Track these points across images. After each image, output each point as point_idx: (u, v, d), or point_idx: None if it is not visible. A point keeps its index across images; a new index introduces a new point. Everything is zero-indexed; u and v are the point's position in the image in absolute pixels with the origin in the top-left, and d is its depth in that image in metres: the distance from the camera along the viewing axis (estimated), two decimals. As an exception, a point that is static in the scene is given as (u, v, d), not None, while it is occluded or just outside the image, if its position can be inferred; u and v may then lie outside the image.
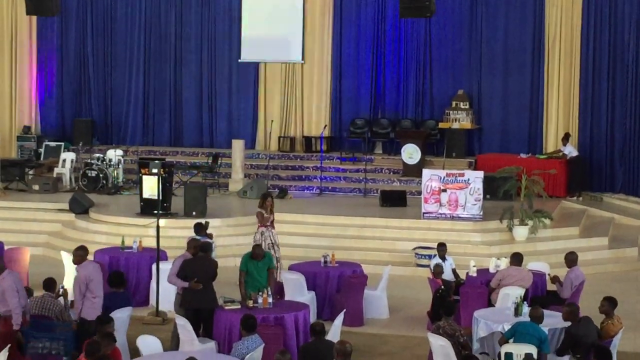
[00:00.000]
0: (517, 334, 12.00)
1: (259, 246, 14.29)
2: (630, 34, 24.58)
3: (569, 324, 12.56)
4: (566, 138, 24.52)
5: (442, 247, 16.11)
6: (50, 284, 13.25)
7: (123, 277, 13.90)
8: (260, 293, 13.42)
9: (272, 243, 16.92)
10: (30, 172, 25.11)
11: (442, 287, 14.53)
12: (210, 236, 16.64)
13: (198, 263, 13.55)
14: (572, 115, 25.29)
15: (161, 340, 12.17)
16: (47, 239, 20.77)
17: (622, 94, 24.82)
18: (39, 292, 13.45)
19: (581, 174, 24.47)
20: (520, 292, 14.15)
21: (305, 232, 20.38)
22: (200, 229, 16.35)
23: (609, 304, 12.70)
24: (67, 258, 16.69)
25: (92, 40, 28.57)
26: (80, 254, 12.98)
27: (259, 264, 14.08)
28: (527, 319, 12.54)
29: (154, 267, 15.86)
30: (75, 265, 13.04)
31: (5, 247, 17.36)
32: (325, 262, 16.12)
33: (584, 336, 12.03)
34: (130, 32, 28.34)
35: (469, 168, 24.03)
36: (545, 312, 13.35)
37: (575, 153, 24.45)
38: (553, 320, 12.79)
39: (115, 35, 28.50)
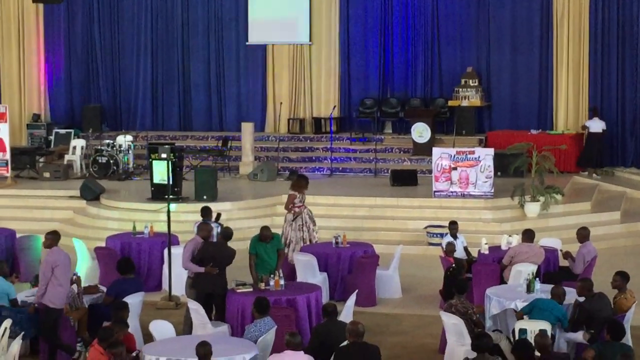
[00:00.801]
0: (535, 309, 12.00)
1: (266, 228, 14.25)
2: (638, 7, 24.43)
3: (581, 299, 12.56)
4: (592, 111, 24.21)
5: (453, 225, 16.08)
6: (62, 271, 13.25)
7: (131, 263, 13.87)
8: (272, 275, 13.43)
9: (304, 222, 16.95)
10: (41, 159, 25.16)
11: (454, 265, 14.51)
12: (217, 217, 16.51)
13: (217, 248, 13.55)
14: (582, 90, 25.17)
15: (174, 325, 12.20)
16: (58, 226, 20.64)
17: (631, 68, 24.72)
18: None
19: (597, 150, 24.09)
20: (533, 268, 14.12)
21: (316, 214, 20.11)
22: (207, 212, 16.24)
23: (621, 279, 12.68)
24: (79, 245, 16.74)
25: (99, 27, 28.54)
26: (50, 238, 12.76)
27: (267, 246, 14.07)
28: (541, 295, 12.53)
29: (165, 251, 15.88)
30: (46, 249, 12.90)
31: (17, 235, 17.44)
32: (337, 242, 16.11)
33: (598, 311, 12.01)
34: (137, 17, 28.30)
35: (479, 145, 23.96)
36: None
37: (598, 129, 23.89)
38: (566, 296, 12.75)
39: (122, 21, 28.46)
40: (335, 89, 27.20)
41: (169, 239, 15.71)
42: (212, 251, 13.46)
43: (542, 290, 12.79)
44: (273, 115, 27.42)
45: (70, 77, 28.84)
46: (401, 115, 26.43)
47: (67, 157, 25.08)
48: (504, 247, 15.61)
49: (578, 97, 25.22)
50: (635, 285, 13.49)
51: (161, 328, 11.89)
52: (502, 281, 14.51)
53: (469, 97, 25.65)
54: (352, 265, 15.58)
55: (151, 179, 20.74)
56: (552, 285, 12.66)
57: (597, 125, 23.96)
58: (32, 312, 12.52)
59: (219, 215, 16.84)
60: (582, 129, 24.14)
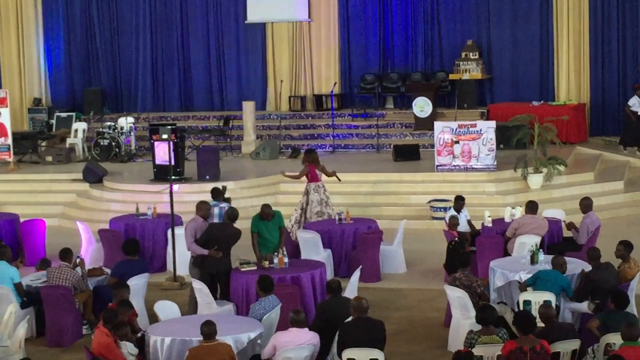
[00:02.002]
0: (538, 280, 12.02)
1: (267, 206, 14.25)
2: (638, -25, 24.35)
3: (586, 269, 12.57)
4: (635, 89, 23.42)
5: (459, 201, 16.04)
6: (66, 254, 13.34)
7: (137, 244, 13.90)
8: (275, 253, 13.43)
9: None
10: (43, 143, 25.14)
11: (456, 238, 14.51)
12: (228, 201, 16.57)
13: (222, 229, 13.54)
14: (583, 61, 25.09)
15: (179, 305, 12.22)
16: (62, 210, 20.84)
17: (632, 37, 24.63)
18: (56, 262, 13.53)
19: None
20: (536, 240, 14.14)
21: (320, 191, 20.35)
22: (217, 194, 16.27)
23: (625, 248, 12.69)
24: (82, 228, 16.76)
25: (98, 8, 28.45)
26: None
27: (269, 224, 14.06)
28: (545, 266, 12.54)
29: (169, 232, 15.90)
30: None
31: (21, 220, 17.46)
32: (340, 219, 16.12)
33: (604, 282, 12.02)
34: (135, -2, 28.23)
35: (481, 118, 23.92)
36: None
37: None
38: (570, 266, 12.75)
39: (120, 2, 28.34)
40: (335, 65, 27.13)
41: (172, 220, 15.73)
42: (216, 232, 13.45)
43: (546, 262, 12.79)
44: (274, 94, 27.38)
45: (70, 60, 28.78)
46: (402, 90, 26.38)
47: (69, 141, 25.07)
48: (507, 220, 15.62)
49: (579, 67, 25.14)
50: (639, 254, 13.49)
51: (166, 308, 11.91)
52: (506, 253, 14.52)
53: (470, 70, 25.58)
54: (356, 241, 15.59)
55: (153, 160, 20.74)
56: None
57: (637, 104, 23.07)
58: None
59: (224, 187, 16.86)
60: (626, 108, 23.20)
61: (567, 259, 12.80)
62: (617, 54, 24.81)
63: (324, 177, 17.59)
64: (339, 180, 17.83)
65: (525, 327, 9.88)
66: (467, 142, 20.56)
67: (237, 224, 13.86)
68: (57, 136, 25.93)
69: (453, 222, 15.23)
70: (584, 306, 12.05)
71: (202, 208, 13.90)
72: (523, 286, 12.20)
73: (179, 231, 15.41)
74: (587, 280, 12.25)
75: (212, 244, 13.27)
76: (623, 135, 23.56)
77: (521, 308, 11.67)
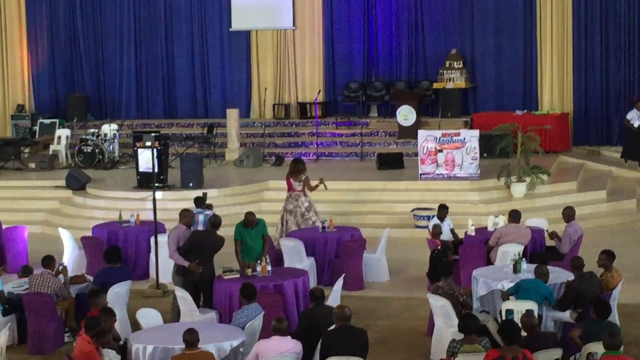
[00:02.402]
0: (521, 289, 12.02)
1: (251, 213, 14.25)
2: (621, -15, 24.47)
3: (567, 278, 12.60)
4: (633, 103, 23.36)
5: (443, 209, 16.06)
6: (49, 262, 13.28)
7: (119, 252, 13.85)
8: (258, 261, 13.42)
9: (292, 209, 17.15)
10: (26, 150, 25.08)
11: (439, 247, 14.52)
12: (210, 207, 16.60)
13: (205, 237, 13.51)
14: (567, 70, 25.21)
15: (162, 313, 12.18)
16: (45, 217, 20.76)
17: (615, 47, 24.74)
18: (38, 270, 13.47)
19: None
20: (519, 249, 14.17)
21: (303, 199, 20.35)
22: (199, 202, 16.30)
23: (607, 257, 12.72)
24: (65, 235, 16.70)
25: (82, 15, 28.39)
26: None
27: (252, 231, 14.06)
28: (527, 275, 12.56)
29: (152, 240, 15.86)
30: None
31: (4, 226, 17.39)
32: (324, 227, 16.12)
33: (586, 291, 12.04)
34: (119, 5, 28.15)
35: (464, 127, 23.97)
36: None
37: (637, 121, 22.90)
38: (552, 275, 12.78)
39: (104, 9, 28.31)
40: (319, 73, 27.16)
41: (155, 227, 15.69)
42: (200, 240, 13.43)
43: (529, 271, 12.80)
44: (258, 101, 27.38)
45: (54, 67, 28.72)
46: (386, 99, 26.42)
47: (52, 147, 25.00)
48: (490, 228, 15.64)
49: (562, 77, 25.25)
50: (621, 264, 13.55)
51: (148, 316, 11.87)
52: (489, 262, 14.55)
53: (454, 79, 25.64)
54: (339, 250, 15.59)
55: (137, 167, 20.70)
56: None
57: (636, 117, 22.93)
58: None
59: (205, 194, 16.87)
60: (626, 123, 23.11)
61: (549, 268, 12.84)
62: (600, 64, 24.91)
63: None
64: (325, 187, 17.73)
65: (510, 337, 9.85)
66: (450, 151, 20.60)
67: (221, 232, 13.85)
68: (40, 143, 25.85)
69: (436, 231, 15.24)
70: (567, 315, 12.08)
71: (186, 216, 13.87)
72: (505, 295, 12.22)
73: (162, 239, 15.37)
74: (569, 289, 12.28)
75: (195, 252, 13.24)
76: (624, 149, 23.40)
77: (504, 317, 11.68)
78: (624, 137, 23.66)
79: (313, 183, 17.20)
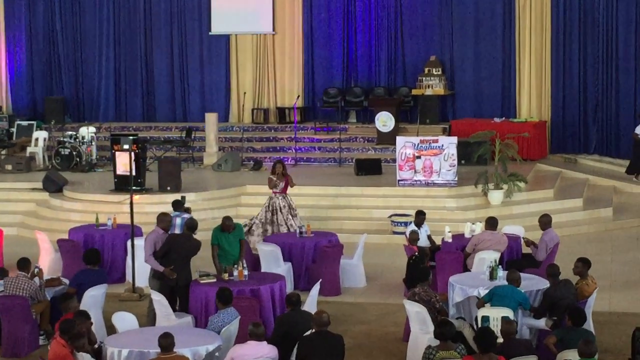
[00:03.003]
0: (495, 296, 12.06)
1: (228, 218, 14.27)
2: (599, -5, 24.61)
3: (544, 286, 12.64)
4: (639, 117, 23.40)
5: (420, 215, 16.07)
6: (24, 264, 13.22)
7: (98, 254, 13.81)
8: (235, 266, 13.40)
9: (279, 208, 17.11)
10: (3, 152, 24.94)
11: (416, 253, 14.54)
12: (188, 210, 16.57)
13: (182, 240, 13.47)
14: (545, 78, 25.33)
15: (138, 316, 12.14)
16: (21, 219, 20.65)
17: (593, 56, 24.85)
18: (13, 272, 13.40)
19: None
20: (496, 256, 14.21)
21: (281, 204, 20.33)
22: (177, 205, 16.28)
23: (583, 265, 12.78)
24: (41, 237, 16.62)
25: (61, 17, 28.29)
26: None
27: (229, 236, 14.05)
28: (503, 282, 12.59)
29: (129, 243, 15.81)
30: None
31: (-21, 229, 17.28)
32: (301, 232, 16.13)
33: (562, 298, 12.08)
34: (99, 8, 28.05)
35: (442, 134, 24.02)
36: (520, 274, 13.44)
37: None
38: (528, 283, 12.85)
39: (83, 11, 28.21)
40: (299, 78, 27.17)
41: (132, 231, 15.65)
42: (176, 243, 13.39)
43: (505, 278, 12.84)
44: (237, 106, 27.35)
45: (32, 69, 28.59)
46: (365, 105, 26.46)
47: (29, 149, 24.88)
48: (467, 235, 15.68)
49: (540, 85, 25.37)
50: (597, 272, 13.62)
51: (124, 320, 11.83)
52: (466, 269, 14.58)
53: (433, 85, 25.71)
54: (316, 255, 15.59)
55: (114, 170, 20.63)
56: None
57: None
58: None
59: (183, 198, 16.85)
60: (635, 137, 22.90)
61: (525, 275, 12.89)
62: (578, 73, 25.02)
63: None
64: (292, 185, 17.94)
65: (486, 345, 9.86)
66: (428, 158, 20.65)
67: (198, 236, 13.83)
68: (18, 145, 25.73)
69: (413, 237, 15.26)
70: (542, 323, 12.12)
71: (163, 220, 13.82)
72: (480, 303, 12.25)
73: (139, 242, 15.34)
74: (545, 296, 12.32)
75: (172, 255, 13.21)
76: (632, 163, 23.25)
77: (479, 324, 11.71)
78: (632, 151, 23.28)
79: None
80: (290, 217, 17.48)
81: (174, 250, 13.25)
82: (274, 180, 17.55)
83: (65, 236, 16.82)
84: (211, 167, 23.78)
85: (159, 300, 12.60)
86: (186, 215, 15.77)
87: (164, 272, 13.14)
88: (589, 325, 11.98)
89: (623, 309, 14.23)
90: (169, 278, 13.13)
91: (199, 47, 27.74)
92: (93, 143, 24.32)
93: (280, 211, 17.47)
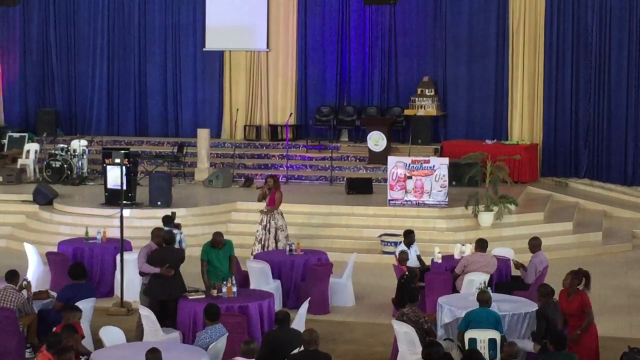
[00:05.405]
0: (471, 323, 11.94)
1: (219, 234, 14.25)
2: (593, 19, 24.67)
3: (532, 308, 12.61)
4: None
5: (409, 235, 16.06)
6: (12, 276, 13.18)
7: (83, 268, 13.75)
8: (224, 282, 13.38)
9: (266, 227, 17.35)
10: (-6, 163, 24.90)
11: (406, 273, 14.54)
12: (178, 226, 16.53)
13: (165, 252, 13.49)
14: (537, 101, 25.39)
15: (125, 331, 12.11)
16: (10, 231, 20.61)
17: (585, 80, 24.92)
18: (1, 284, 13.35)
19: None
20: (485, 277, 14.19)
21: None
22: (168, 220, 16.26)
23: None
24: (30, 250, 16.57)
25: (55, 30, 28.33)
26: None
27: (219, 252, 14.03)
28: (493, 305, 12.53)
29: (118, 257, 15.78)
30: None
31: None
32: (291, 250, 16.11)
33: (551, 318, 12.05)
34: (93, 22, 28.12)
35: (434, 155, 24.08)
36: (509, 297, 13.47)
37: None
38: (516, 305, 12.85)
39: (78, 25, 28.26)
40: (292, 96, 27.21)
41: (122, 245, 15.61)
42: (164, 254, 13.42)
43: (494, 300, 12.83)
44: (229, 122, 27.36)
45: (25, 81, 28.61)
46: (357, 124, 26.50)
47: (20, 161, 24.84)
48: (457, 257, 15.68)
49: (533, 108, 25.44)
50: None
51: (111, 334, 11.80)
52: (455, 290, 14.57)
53: (425, 106, 25.76)
54: (305, 273, 15.57)
55: (105, 184, 20.61)
56: (503, 295, 12.70)
57: None
58: None
59: (174, 214, 16.83)
60: None
61: (513, 297, 12.86)
62: (570, 96, 25.09)
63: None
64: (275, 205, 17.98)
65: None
66: (420, 178, 20.67)
67: (188, 252, 13.84)
68: (9, 156, 25.69)
69: (403, 257, 15.26)
70: (529, 345, 12.10)
71: (157, 235, 13.82)
72: (460, 335, 12.06)
73: (128, 256, 15.31)
74: (541, 316, 12.17)
75: (162, 265, 13.23)
76: None
77: (467, 346, 11.69)
78: None
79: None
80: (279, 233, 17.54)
81: (162, 261, 13.27)
82: (262, 190, 17.64)
83: (55, 249, 16.77)
84: (202, 182, 23.77)
85: (147, 316, 12.56)
86: (175, 231, 15.73)
87: (161, 272, 13.13)
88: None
89: (611, 333, 14.22)
90: (167, 287, 13.10)
91: (192, 62, 27.78)
92: (84, 156, 24.29)
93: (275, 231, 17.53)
